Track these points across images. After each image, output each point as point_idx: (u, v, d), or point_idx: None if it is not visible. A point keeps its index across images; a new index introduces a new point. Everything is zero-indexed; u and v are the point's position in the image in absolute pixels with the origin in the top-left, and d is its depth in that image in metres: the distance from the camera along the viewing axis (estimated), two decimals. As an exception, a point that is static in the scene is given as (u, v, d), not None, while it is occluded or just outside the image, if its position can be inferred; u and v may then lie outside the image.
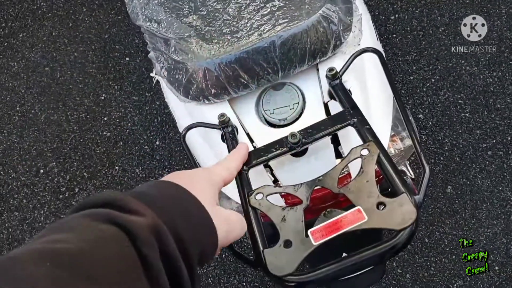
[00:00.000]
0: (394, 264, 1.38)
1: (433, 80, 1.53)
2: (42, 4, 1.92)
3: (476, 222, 1.37)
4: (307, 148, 0.67)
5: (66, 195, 1.62)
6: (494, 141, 1.43)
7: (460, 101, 1.49)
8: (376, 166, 0.54)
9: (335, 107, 0.69)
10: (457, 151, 1.44)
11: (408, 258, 1.38)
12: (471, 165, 1.42)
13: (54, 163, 1.66)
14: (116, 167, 1.62)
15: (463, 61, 1.52)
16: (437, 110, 1.49)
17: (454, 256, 1.36)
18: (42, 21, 1.89)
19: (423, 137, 1.47)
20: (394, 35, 1.60)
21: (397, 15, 1.63)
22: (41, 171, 1.66)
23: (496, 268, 1.32)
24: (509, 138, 1.43)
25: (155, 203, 0.37)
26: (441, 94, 1.51)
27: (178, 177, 0.44)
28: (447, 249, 1.36)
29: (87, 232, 0.30)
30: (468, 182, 1.41)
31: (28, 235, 1.59)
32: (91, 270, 0.27)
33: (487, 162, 1.42)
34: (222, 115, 0.66)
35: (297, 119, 0.70)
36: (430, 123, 1.48)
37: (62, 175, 1.65)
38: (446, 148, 1.45)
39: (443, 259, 1.36)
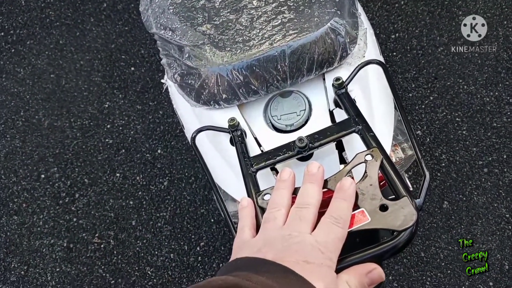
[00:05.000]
0: (390, 277, 1.40)
1: (431, 98, 1.57)
2: (50, 13, 1.96)
3: (471, 238, 1.39)
4: (312, 153, 0.69)
5: (66, 200, 1.63)
6: (490, 158, 1.47)
7: (457, 119, 1.53)
8: (379, 172, 0.57)
9: (340, 115, 0.72)
10: (453, 167, 1.48)
11: (404, 272, 1.40)
12: (467, 182, 1.45)
13: (56, 169, 1.68)
14: (117, 174, 1.64)
15: (460, 80, 1.57)
16: (435, 127, 1.53)
17: (449, 271, 1.37)
18: (50, 29, 1.92)
19: (421, 153, 1.50)
20: (394, 53, 1.65)
21: (397, 34, 1.68)
22: (42, 176, 1.68)
23: (491, 284, 1.34)
24: (505, 156, 1.46)
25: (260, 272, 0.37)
26: (439, 112, 1.54)
27: (287, 254, 0.42)
28: (443, 263, 1.38)
29: None
30: (464, 198, 1.44)
31: (26, 239, 1.60)
32: None
33: (483, 179, 1.45)
34: (232, 119, 0.69)
35: (303, 125, 0.73)
36: (428, 139, 1.52)
37: (63, 180, 1.66)
38: (443, 164, 1.48)
39: (439, 274, 1.38)
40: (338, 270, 0.47)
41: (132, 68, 1.80)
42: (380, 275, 0.45)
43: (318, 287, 0.39)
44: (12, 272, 1.56)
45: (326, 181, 0.57)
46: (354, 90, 0.72)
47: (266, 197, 0.58)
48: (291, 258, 0.42)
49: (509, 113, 1.51)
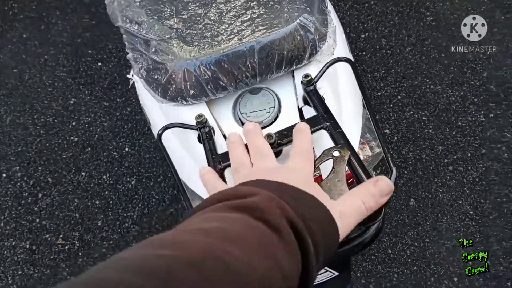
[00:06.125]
0: (358, 274, 1.41)
1: (399, 97, 1.59)
2: (13, 5, 1.88)
3: (437, 234, 1.42)
4: (281, 150, 0.69)
5: (29, 200, 1.57)
6: (455, 157, 1.50)
7: (424, 118, 1.56)
8: (346, 168, 0.57)
9: (309, 113, 0.71)
10: (420, 165, 1.50)
11: (372, 269, 1.41)
12: (433, 179, 1.49)
13: (18, 167, 1.62)
14: (83, 173, 1.60)
15: (427, 80, 1.60)
16: (402, 125, 1.56)
17: (415, 267, 1.40)
18: (13, 22, 1.85)
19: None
20: (364, 53, 1.67)
21: (367, 34, 1.70)
22: (4, 175, 1.61)
23: (455, 279, 1.37)
24: (469, 155, 1.50)
25: (265, 186, 0.39)
26: (406, 111, 1.57)
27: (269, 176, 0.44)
28: (409, 260, 1.41)
29: (216, 219, 0.34)
30: (430, 196, 1.47)
31: (-14, 241, 1.53)
32: (233, 237, 0.31)
33: (448, 177, 1.49)
34: (200, 115, 0.68)
35: (272, 122, 0.73)
36: (396, 138, 1.54)
37: (26, 180, 1.60)
38: (410, 162, 1.51)
39: (405, 270, 1.40)
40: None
41: (99, 64, 1.75)
42: (387, 182, 0.46)
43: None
44: (-29, 275, 1.49)
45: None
46: (323, 88, 0.72)
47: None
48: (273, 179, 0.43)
49: (473, 112, 1.55)
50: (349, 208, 0.43)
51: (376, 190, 0.45)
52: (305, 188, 0.42)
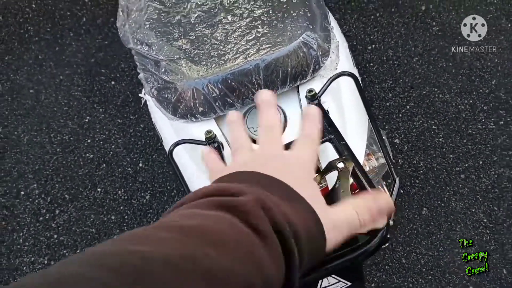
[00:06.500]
0: (373, 285, 1.41)
1: (408, 107, 1.60)
2: (29, 28, 1.95)
3: (451, 243, 1.42)
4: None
5: (47, 217, 1.61)
6: (466, 165, 1.50)
7: (433, 127, 1.56)
8: (351, 179, 0.58)
9: (315, 126, 0.73)
10: (431, 174, 1.51)
11: (386, 279, 1.41)
12: (445, 188, 1.48)
13: (35, 185, 1.66)
14: (98, 189, 1.63)
15: (436, 89, 1.61)
16: (412, 135, 1.56)
17: (430, 277, 1.39)
18: (29, 44, 1.92)
19: (399, 161, 1.53)
20: (371, 64, 1.69)
21: (373, 45, 1.72)
22: (22, 192, 1.66)
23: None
24: (481, 162, 1.50)
25: (257, 181, 0.38)
26: (416, 120, 1.58)
27: (266, 166, 0.41)
28: (424, 269, 1.40)
29: (198, 216, 0.32)
30: (443, 204, 1.47)
31: (5, 258, 1.57)
32: (214, 238, 0.30)
33: (460, 185, 1.48)
34: (209, 131, 0.70)
35: (279, 137, 0.75)
36: (406, 147, 1.55)
37: (43, 197, 1.64)
38: (421, 171, 1.51)
39: (420, 280, 1.40)
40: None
41: (113, 82, 1.80)
42: (387, 201, 0.44)
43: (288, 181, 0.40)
44: (-9, 291, 1.52)
45: None
46: (327, 102, 0.74)
47: None
48: (270, 171, 0.41)
49: (483, 120, 1.55)
50: (342, 218, 0.41)
51: (375, 206, 0.43)
52: (303, 185, 0.40)
